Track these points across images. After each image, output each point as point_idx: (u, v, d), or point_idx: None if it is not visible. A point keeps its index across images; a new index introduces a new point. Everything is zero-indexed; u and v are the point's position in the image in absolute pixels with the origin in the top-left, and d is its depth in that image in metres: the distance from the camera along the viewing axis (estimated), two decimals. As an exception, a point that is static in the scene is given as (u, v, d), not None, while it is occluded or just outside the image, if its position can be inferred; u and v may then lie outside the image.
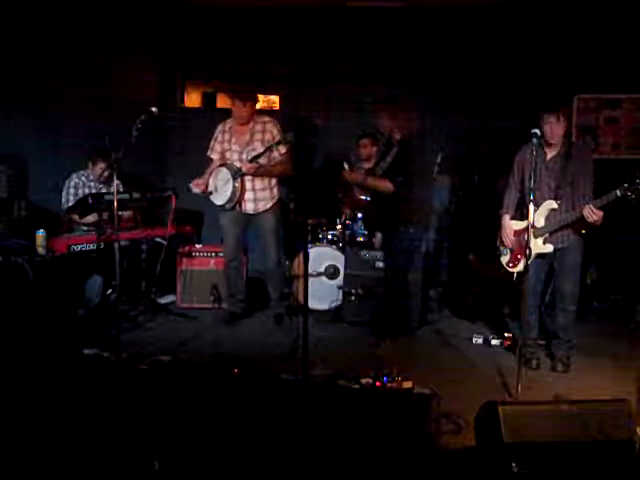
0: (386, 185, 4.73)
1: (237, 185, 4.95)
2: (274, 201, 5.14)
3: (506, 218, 4.41)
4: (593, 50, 6.21)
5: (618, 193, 3.77)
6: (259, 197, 5.07)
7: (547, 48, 6.27)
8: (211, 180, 5.13)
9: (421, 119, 5.02)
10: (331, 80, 6.70)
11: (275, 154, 4.97)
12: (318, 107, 6.46)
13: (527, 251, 3.88)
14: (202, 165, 5.22)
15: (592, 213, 3.86)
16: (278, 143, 4.89)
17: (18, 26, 5.61)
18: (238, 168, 4.94)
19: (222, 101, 7.46)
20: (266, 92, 6.95)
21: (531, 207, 3.77)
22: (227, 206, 5.04)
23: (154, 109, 4.28)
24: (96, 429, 3.10)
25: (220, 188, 5.06)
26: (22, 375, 3.73)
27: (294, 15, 6.54)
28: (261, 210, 5.09)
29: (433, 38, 6.52)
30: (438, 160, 5.63)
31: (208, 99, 7.28)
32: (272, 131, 4.99)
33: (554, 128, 4.05)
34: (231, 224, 5.15)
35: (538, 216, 4.14)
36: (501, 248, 4.46)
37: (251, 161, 4.88)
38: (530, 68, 6.31)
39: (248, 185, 5.02)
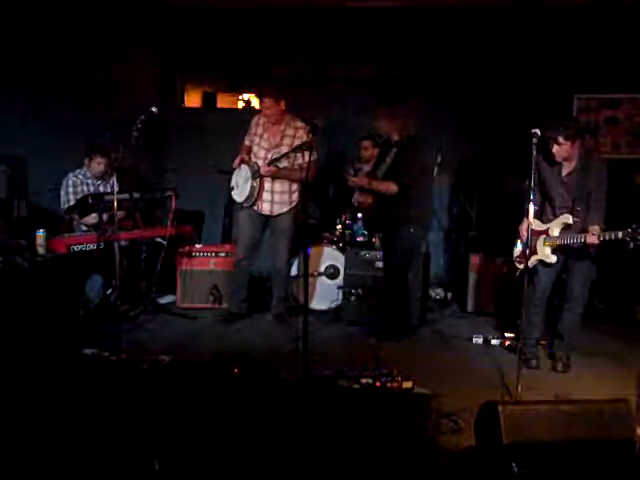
0: (390, 187, 4.72)
1: (255, 185, 4.98)
2: (291, 206, 5.12)
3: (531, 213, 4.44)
4: (593, 50, 6.21)
5: (620, 235, 3.80)
6: (276, 200, 5.07)
7: (547, 48, 6.27)
8: (233, 176, 5.18)
9: (420, 120, 5.02)
10: (331, 80, 6.71)
11: (300, 159, 4.93)
12: (318, 107, 6.46)
13: (527, 252, 3.97)
14: (202, 165, 5.23)
15: (593, 240, 3.92)
16: (302, 147, 4.76)
17: (18, 26, 5.61)
18: (258, 168, 4.95)
19: (222, 101, 7.47)
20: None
21: (531, 206, 3.78)
22: (245, 204, 5.07)
23: (154, 109, 4.28)
24: (96, 429, 3.10)
25: (241, 185, 5.09)
26: (22, 375, 3.73)
27: (294, 15, 6.54)
28: (276, 213, 5.10)
29: (433, 38, 6.52)
30: (438, 160, 5.63)
31: (208, 99, 7.29)
32: (302, 138, 4.90)
33: (557, 150, 4.09)
34: (247, 222, 5.16)
35: (554, 226, 4.18)
36: (517, 240, 4.48)
37: (269, 164, 4.89)
38: (530, 68, 6.32)
39: (266, 186, 5.03)
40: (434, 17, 6.42)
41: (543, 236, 4.20)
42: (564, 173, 4.20)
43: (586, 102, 6.48)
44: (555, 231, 4.18)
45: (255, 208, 5.09)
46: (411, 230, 4.80)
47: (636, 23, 6.02)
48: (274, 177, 4.99)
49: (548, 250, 4.19)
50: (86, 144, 5.46)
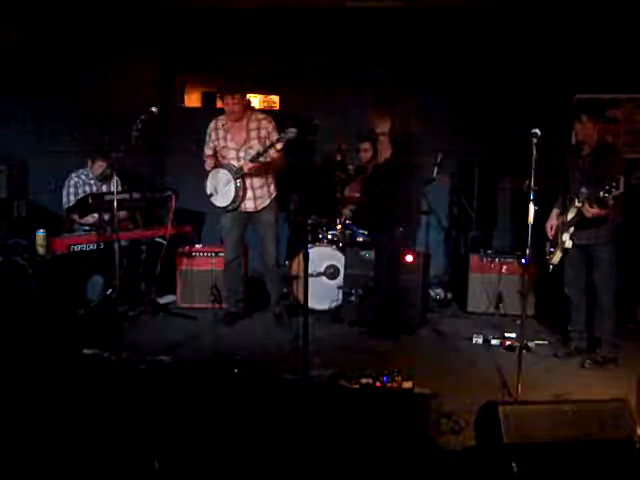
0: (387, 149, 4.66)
1: (239, 185, 4.95)
2: (272, 197, 5.14)
3: (554, 210, 4.54)
4: (593, 50, 6.21)
5: (600, 194, 3.91)
6: (258, 195, 5.07)
7: (547, 48, 6.27)
8: (209, 182, 5.10)
9: (420, 119, 5.03)
10: (331, 80, 6.71)
11: (271, 151, 4.95)
12: (318, 107, 6.46)
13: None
14: (201, 165, 5.22)
15: (593, 212, 4.07)
16: (278, 141, 4.79)
17: (18, 26, 5.61)
18: (239, 168, 4.93)
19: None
20: (266, 92, 6.96)
21: (531, 206, 3.80)
22: (230, 207, 5.04)
23: (154, 109, 4.28)
24: (96, 429, 3.10)
25: (221, 189, 5.04)
26: (22, 375, 3.73)
27: (294, 16, 6.54)
28: (260, 208, 5.10)
29: (433, 38, 6.52)
30: (438, 160, 5.64)
31: (208, 99, 7.28)
32: (267, 127, 4.98)
33: (578, 129, 4.33)
34: (232, 224, 5.15)
35: (569, 212, 4.30)
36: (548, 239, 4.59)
37: (252, 160, 4.87)
38: (530, 68, 6.32)
39: (247, 184, 5.02)
40: (434, 17, 6.42)
41: (561, 225, 4.36)
42: (581, 157, 4.35)
43: (586, 101, 6.47)
44: (569, 216, 4.29)
45: (239, 209, 5.07)
46: (400, 229, 4.81)
47: (636, 23, 6.02)
48: (256, 173, 4.97)
49: (566, 236, 4.30)
50: (90, 146, 5.47)
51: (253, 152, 4.87)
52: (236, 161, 4.97)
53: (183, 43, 6.88)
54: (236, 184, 4.94)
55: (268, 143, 4.88)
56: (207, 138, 5.13)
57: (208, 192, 5.10)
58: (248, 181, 5.01)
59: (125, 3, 6.17)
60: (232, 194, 4.97)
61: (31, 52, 5.69)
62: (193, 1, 6.45)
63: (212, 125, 5.11)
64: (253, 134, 4.98)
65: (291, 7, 6.42)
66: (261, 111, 5.78)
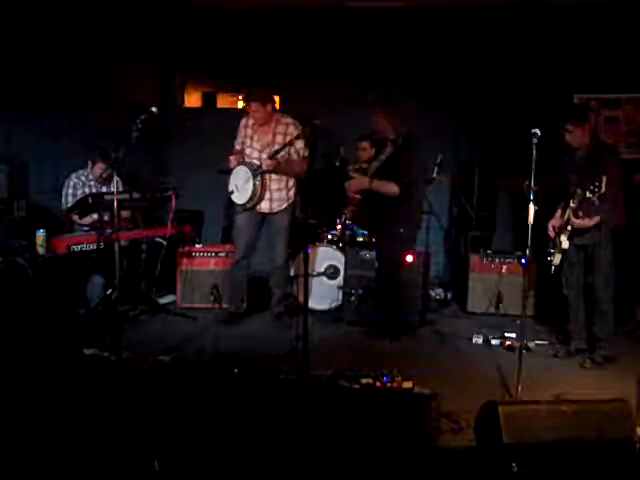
0: (392, 188, 4.68)
1: (257, 183, 4.96)
2: (289, 202, 5.15)
3: (558, 211, 4.53)
4: (593, 50, 6.22)
5: (587, 194, 3.95)
6: (274, 197, 5.08)
7: (547, 48, 6.28)
8: (231, 179, 5.13)
9: (420, 120, 5.02)
10: (330, 80, 6.71)
11: (293, 154, 4.97)
12: (318, 107, 6.46)
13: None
14: (201, 165, 5.23)
15: (579, 223, 4.16)
16: (297, 137, 4.82)
17: (18, 26, 5.61)
18: (258, 166, 4.95)
19: (222, 101, 7.48)
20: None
21: (531, 206, 3.80)
22: (248, 205, 5.04)
23: (154, 109, 4.28)
24: (96, 429, 3.10)
25: (241, 187, 5.05)
26: (22, 375, 3.73)
27: (294, 16, 6.54)
28: (275, 210, 5.10)
29: (432, 38, 6.53)
30: (438, 160, 5.64)
31: (208, 99, 7.30)
32: (294, 133, 4.96)
33: (568, 137, 4.33)
34: (246, 223, 5.16)
35: (566, 214, 4.30)
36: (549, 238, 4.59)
37: (271, 157, 4.89)
38: (530, 68, 6.32)
39: (266, 184, 5.02)
40: (433, 17, 6.42)
41: (562, 226, 4.36)
42: (577, 160, 4.38)
43: (586, 102, 6.47)
44: (566, 217, 4.30)
45: (255, 208, 5.09)
46: (402, 230, 4.81)
47: (636, 23, 6.03)
48: (274, 171, 4.98)
49: (564, 237, 4.30)
50: (90, 147, 5.47)
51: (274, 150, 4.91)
52: (258, 161, 5.00)
53: (183, 43, 6.88)
54: (255, 182, 4.95)
55: (287, 140, 4.89)
56: (238, 133, 5.17)
57: (230, 189, 5.12)
58: (267, 182, 5.02)
59: (125, 3, 6.17)
60: (249, 192, 4.98)
61: (32, 52, 5.69)
62: (193, 1, 6.46)
63: (243, 122, 5.15)
64: (279, 137, 4.99)
65: (291, 6, 6.42)
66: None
